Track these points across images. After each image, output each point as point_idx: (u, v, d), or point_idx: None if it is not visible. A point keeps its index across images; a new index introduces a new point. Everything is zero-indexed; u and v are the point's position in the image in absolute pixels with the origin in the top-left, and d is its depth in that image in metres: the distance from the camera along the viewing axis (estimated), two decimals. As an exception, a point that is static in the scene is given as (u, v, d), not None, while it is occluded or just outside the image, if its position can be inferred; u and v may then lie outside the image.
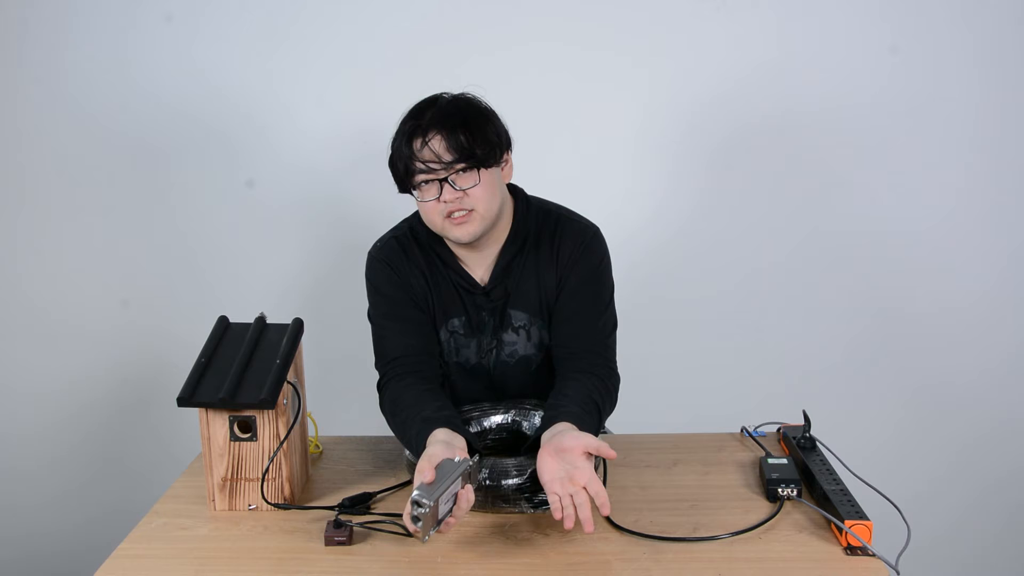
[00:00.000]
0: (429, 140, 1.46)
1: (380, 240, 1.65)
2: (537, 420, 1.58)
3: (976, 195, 2.29)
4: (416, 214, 1.65)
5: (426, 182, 1.48)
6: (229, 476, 1.48)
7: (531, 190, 1.64)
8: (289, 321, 1.60)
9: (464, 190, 1.48)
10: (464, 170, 1.47)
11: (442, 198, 1.48)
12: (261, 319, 1.61)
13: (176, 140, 2.31)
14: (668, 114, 2.28)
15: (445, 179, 1.47)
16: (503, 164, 1.55)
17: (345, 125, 2.30)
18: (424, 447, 1.38)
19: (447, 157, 1.46)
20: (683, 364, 2.38)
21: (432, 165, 1.46)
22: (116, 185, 2.35)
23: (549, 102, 2.21)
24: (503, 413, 1.61)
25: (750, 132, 2.27)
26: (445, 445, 1.35)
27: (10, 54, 2.28)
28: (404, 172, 1.50)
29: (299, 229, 2.37)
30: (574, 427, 1.39)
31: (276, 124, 2.30)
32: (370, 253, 1.64)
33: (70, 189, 2.35)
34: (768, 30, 2.21)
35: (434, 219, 1.52)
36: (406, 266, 1.60)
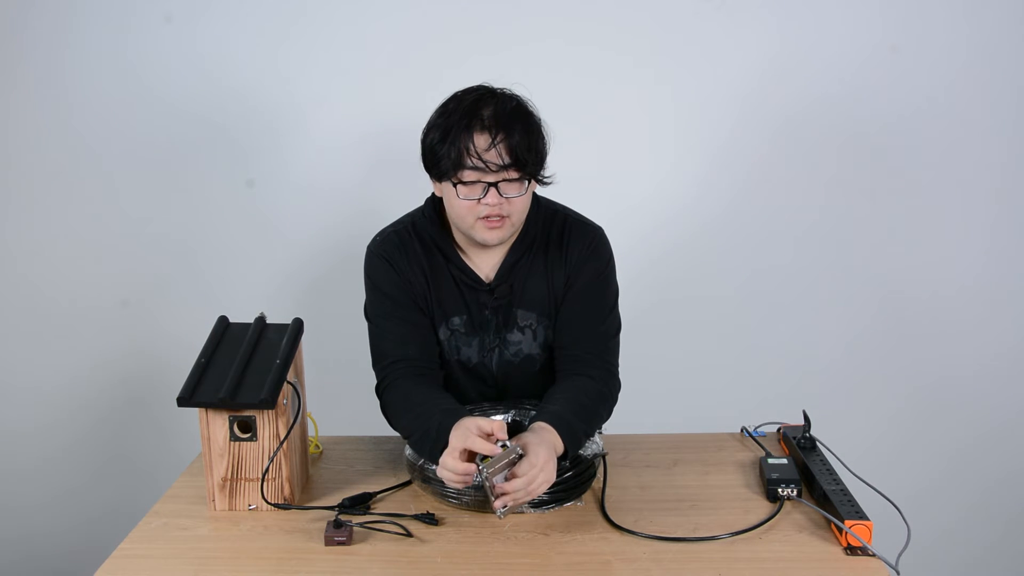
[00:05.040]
0: (496, 141, 1.43)
1: (380, 234, 1.63)
2: (537, 420, 1.58)
3: (976, 192, 2.28)
4: (420, 209, 1.64)
5: (473, 181, 1.46)
6: (229, 476, 1.48)
7: (535, 190, 1.64)
8: (289, 321, 1.60)
9: (508, 198, 1.47)
10: (514, 179, 1.45)
11: (483, 201, 1.46)
12: (261, 319, 1.61)
13: (176, 140, 2.31)
14: (666, 115, 2.28)
15: (494, 183, 1.45)
16: (548, 177, 1.54)
17: (346, 125, 2.30)
18: (447, 436, 1.39)
19: (505, 160, 1.43)
20: (683, 364, 2.38)
21: (491, 165, 1.43)
22: (116, 185, 2.35)
23: (550, 103, 2.20)
24: (503, 413, 1.61)
25: (749, 133, 2.27)
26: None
27: (10, 54, 2.27)
28: (454, 163, 1.44)
29: (299, 229, 2.37)
30: (547, 426, 1.41)
31: (276, 124, 2.30)
32: (369, 247, 1.63)
33: (70, 189, 2.35)
34: (768, 30, 2.21)
35: (465, 217, 1.49)
36: (405, 262, 1.59)
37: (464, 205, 1.48)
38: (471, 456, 1.36)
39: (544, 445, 1.36)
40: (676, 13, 2.20)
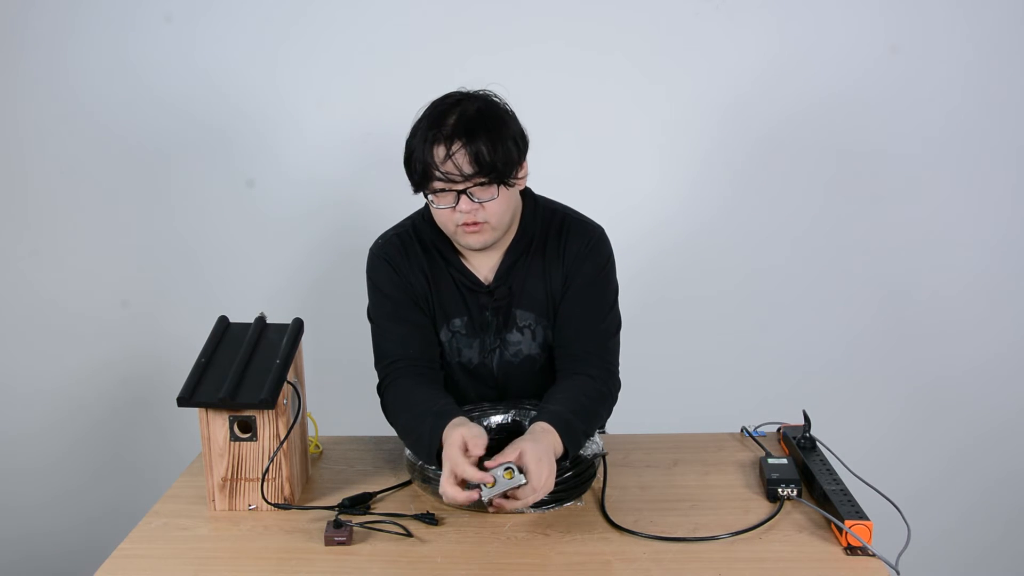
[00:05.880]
0: (453, 152, 1.42)
1: (382, 237, 1.64)
2: (536, 420, 1.58)
3: (975, 192, 2.29)
4: (420, 212, 1.65)
5: (443, 190, 1.46)
6: (229, 476, 1.48)
7: (535, 190, 1.64)
8: (289, 321, 1.60)
9: (481, 203, 1.47)
10: (483, 184, 1.45)
11: (458, 208, 1.47)
12: (261, 319, 1.61)
13: (176, 140, 2.31)
14: (666, 115, 2.28)
15: (464, 191, 1.45)
16: (521, 177, 1.53)
17: (346, 125, 2.30)
18: (439, 439, 1.39)
19: (468, 170, 1.43)
20: (683, 364, 2.38)
21: (452, 176, 1.43)
22: (116, 185, 2.35)
23: (550, 103, 2.21)
24: (503, 413, 1.61)
25: (749, 133, 2.27)
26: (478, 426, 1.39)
27: (10, 54, 2.28)
28: (421, 177, 1.46)
29: (299, 229, 2.37)
30: (548, 425, 1.41)
31: (277, 124, 2.30)
32: (371, 250, 1.63)
33: (70, 189, 2.35)
34: (768, 30, 2.21)
35: (447, 224, 1.51)
36: (407, 264, 1.60)
37: (443, 214, 1.49)
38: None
39: (545, 460, 1.35)
40: (676, 14, 2.21)
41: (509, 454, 1.36)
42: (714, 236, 2.33)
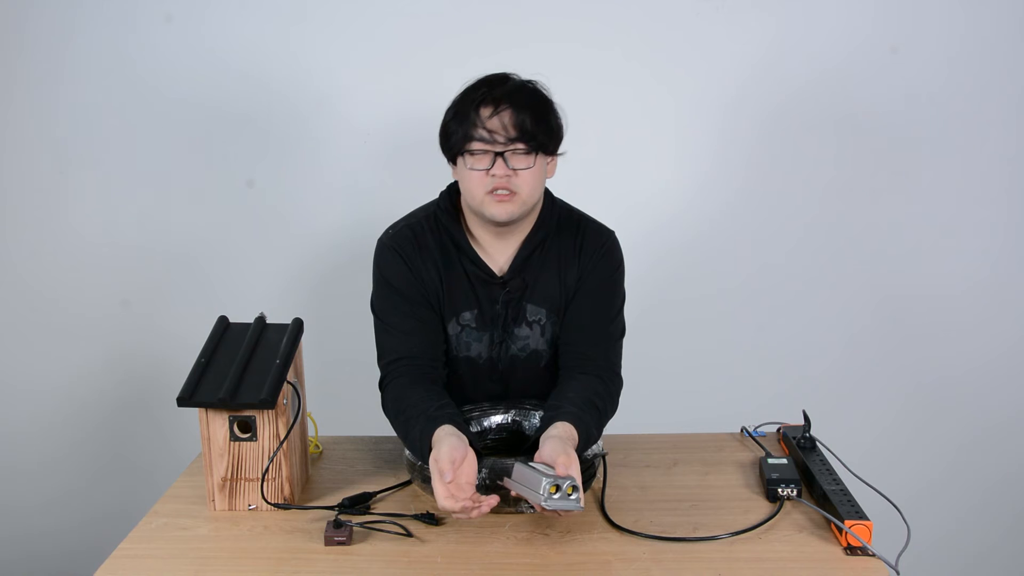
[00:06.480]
0: (499, 111, 1.47)
1: (392, 227, 1.63)
2: (537, 420, 1.57)
3: (975, 192, 2.29)
4: (435, 202, 1.64)
5: (482, 151, 1.48)
6: (229, 476, 1.48)
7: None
8: (289, 321, 1.60)
9: (516, 170, 1.48)
10: (522, 151, 1.48)
11: (492, 171, 1.48)
12: (261, 319, 1.61)
13: (176, 140, 2.31)
14: (666, 115, 2.28)
15: (501, 153, 1.47)
16: (558, 154, 1.56)
17: (346, 125, 2.30)
18: (429, 445, 1.39)
19: (511, 133, 1.47)
20: (683, 364, 2.38)
21: (496, 136, 1.47)
22: (116, 185, 2.35)
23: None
24: (503, 413, 1.60)
25: (749, 133, 2.27)
26: (456, 438, 1.36)
27: (10, 54, 2.28)
28: (463, 136, 1.48)
29: (299, 229, 2.37)
30: (571, 428, 1.40)
31: (277, 124, 2.30)
32: (380, 240, 1.62)
33: (69, 189, 2.35)
34: (767, 30, 2.21)
35: (476, 191, 1.51)
36: (418, 256, 1.58)
37: (474, 177, 1.50)
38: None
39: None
40: (677, 13, 2.21)
41: (560, 462, 1.30)
42: (714, 236, 2.33)
